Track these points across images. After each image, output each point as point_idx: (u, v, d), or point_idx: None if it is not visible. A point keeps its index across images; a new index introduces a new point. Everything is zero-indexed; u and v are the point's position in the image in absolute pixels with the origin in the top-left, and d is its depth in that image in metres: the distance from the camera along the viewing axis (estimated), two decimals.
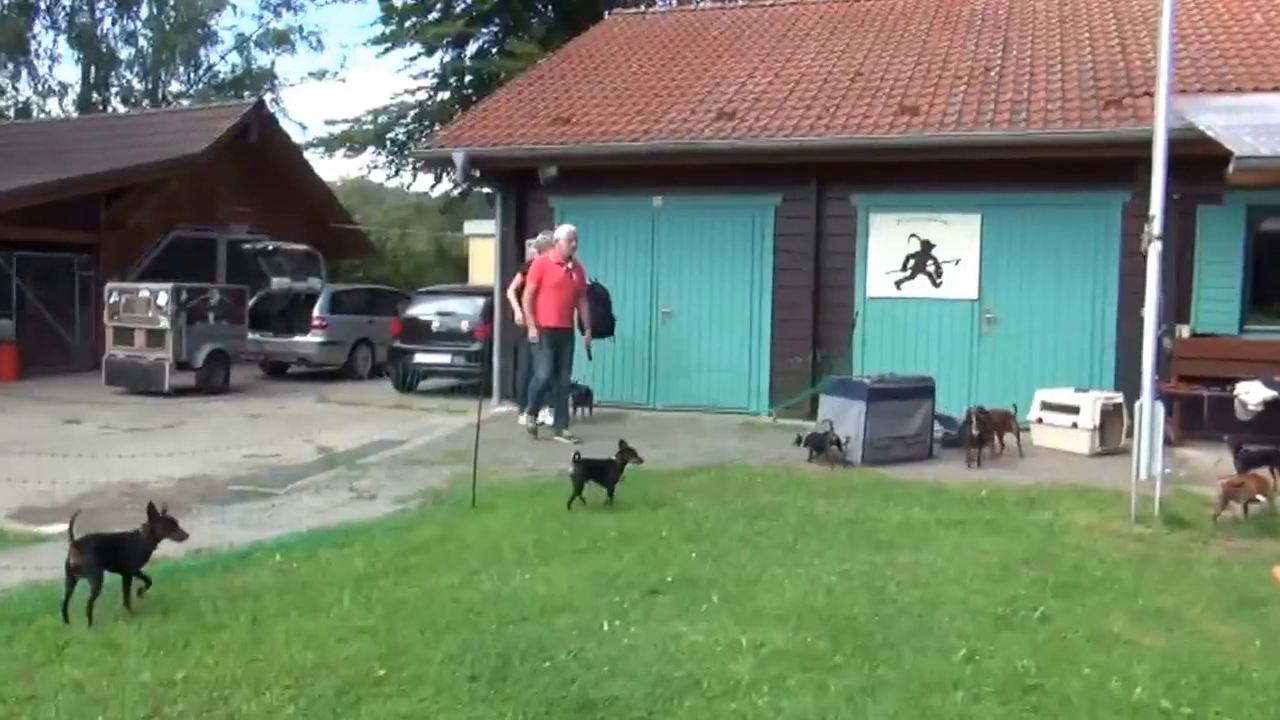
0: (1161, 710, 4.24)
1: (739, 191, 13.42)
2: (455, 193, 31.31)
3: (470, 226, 27.50)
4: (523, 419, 11.46)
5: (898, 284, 12.99)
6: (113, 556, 5.30)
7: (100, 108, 36.83)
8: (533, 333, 11.20)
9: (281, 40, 38.89)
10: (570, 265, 11.32)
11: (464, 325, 16.03)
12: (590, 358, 11.79)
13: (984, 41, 14.94)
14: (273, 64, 40.00)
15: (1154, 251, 7.93)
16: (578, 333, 11.58)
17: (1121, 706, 4.27)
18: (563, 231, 11.45)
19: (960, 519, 7.54)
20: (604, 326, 12.40)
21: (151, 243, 20.63)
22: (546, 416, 11.48)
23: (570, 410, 11.78)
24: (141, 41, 38.12)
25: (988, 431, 10.13)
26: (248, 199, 22.69)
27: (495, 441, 10.38)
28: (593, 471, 7.78)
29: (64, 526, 7.23)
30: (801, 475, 9.17)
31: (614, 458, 7.93)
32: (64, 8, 36.90)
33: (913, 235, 12.89)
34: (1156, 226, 7.88)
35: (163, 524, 5.51)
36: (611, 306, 12.71)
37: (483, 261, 22.19)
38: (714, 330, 13.56)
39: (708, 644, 4.86)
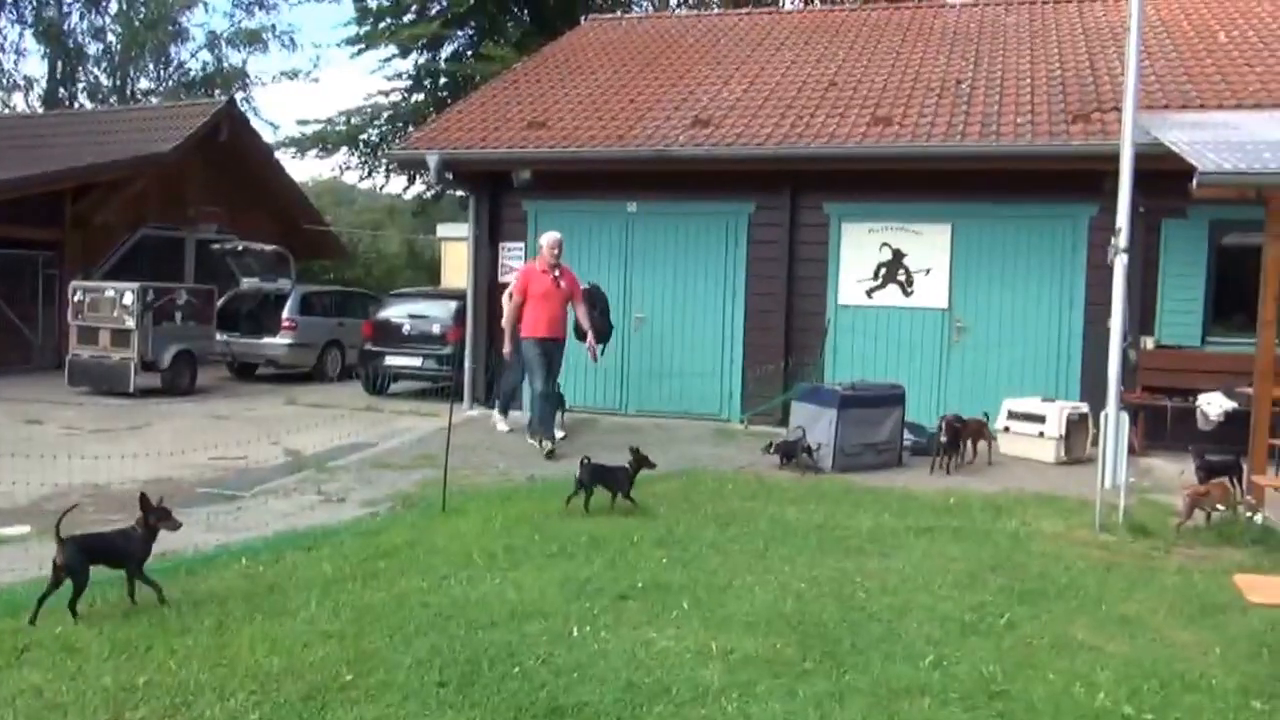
0: (1124, 716, 4.29)
1: (713, 199, 13.46)
2: (428, 195, 31.21)
3: (443, 229, 27.38)
4: (501, 425, 11.51)
5: (869, 293, 13.06)
6: (105, 555, 5.28)
7: (67, 103, 36.43)
8: (506, 348, 11.16)
9: (253, 39, 38.56)
10: (558, 273, 11.10)
11: (436, 328, 16.01)
12: (596, 361, 11.78)
13: (956, 55, 15.07)
14: (244, 63, 39.60)
15: (1120, 264, 8.05)
16: (576, 340, 11.60)
17: (1085, 712, 4.32)
18: (545, 239, 11.22)
19: (929, 526, 7.60)
20: (601, 331, 12.16)
21: (118, 241, 20.43)
22: (500, 423, 11.64)
23: (557, 419, 11.46)
24: (110, 37, 37.72)
25: (961, 439, 10.22)
26: (217, 198, 22.51)
27: (466, 445, 10.37)
28: (600, 475, 7.79)
29: (24, 529, 7.24)
30: (773, 482, 9.21)
31: (626, 464, 7.97)
32: (30, 1, 36.52)
33: (884, 244, 12.97)
34: (1122, 239, 8.01)
35: (156, 514, 5.46)
36: (609, 312, 12.64)
37: (455, 265, 22.10)
38: (687, 337, 13.59)
39: (677, 650, 4.88)
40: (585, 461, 7.83)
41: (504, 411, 11.46)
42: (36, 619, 5.03)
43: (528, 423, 11.32)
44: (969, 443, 10.39)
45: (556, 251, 11.09)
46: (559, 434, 11.12)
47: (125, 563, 5.33)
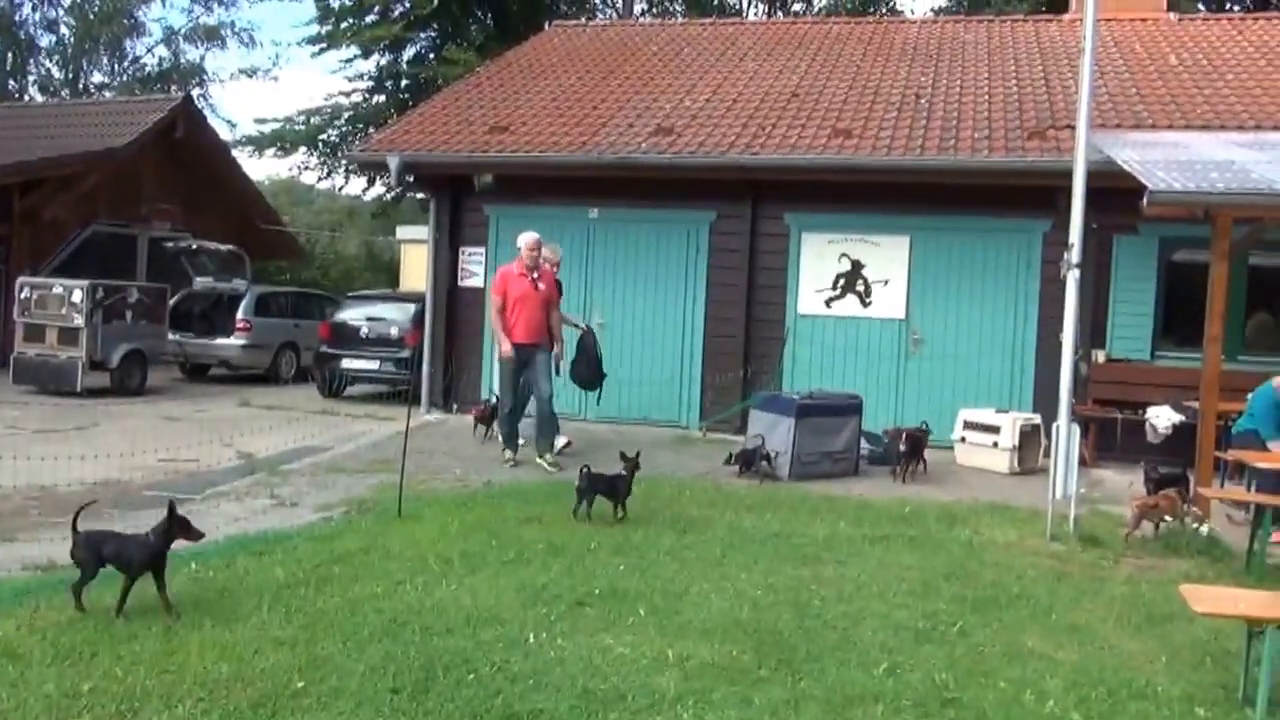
0: None
1: (674, 206, 13.50)
2: (388, 197, 31.04)
3: (403, 232, 27.30)
4: (506, 454, 10.45)
5: (828, 302, 13.15)
6: (114, 555, 5.25)
7: (17, 96, 35.87)
8: (505, 347, 10.32)
9: (212, 35, 38.16)
10: (536, 275, 10.53)
11: (393, 331, 15.93)
12: (558, 373, 11.05)
13: (915, 70, 15.23)
14: (202, 59, 39.14)
15: (1072, 278, 8.17)
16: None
17: (1035, 719, 4.38)
18: (524, 239, 10.60)
19: (884, 535, 7.66)
20: (587, 379, 11.49)
21: (67, 238, 20.13)
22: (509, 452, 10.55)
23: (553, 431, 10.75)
24: (63, 29, 37.24)
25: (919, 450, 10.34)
26: (172, 196, 22.23)
27: (423, 450, 10.34)
28: (601, 485, 7.78)
29: None
30: (730, 490, 9.24)
31: (622, 471, 7.97)
32: None
33: (843, 255, 13.06)
34: (1075, 254, 8.13)
35: (179, 524, 5.42)
36: (601, 361, 11.59)
37: (415, 268, 22.01)
38: (647, 344, 13.61)
39: (633, 657, 4.89)
40: (585, 470, 7.79)
41: (511, 444, 10.55)
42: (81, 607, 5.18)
43: (505, 435, 10.63)
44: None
45: (535, 253, 10.52)
46: (560, 441, 10.76)
47: (128, 568, 5.24)
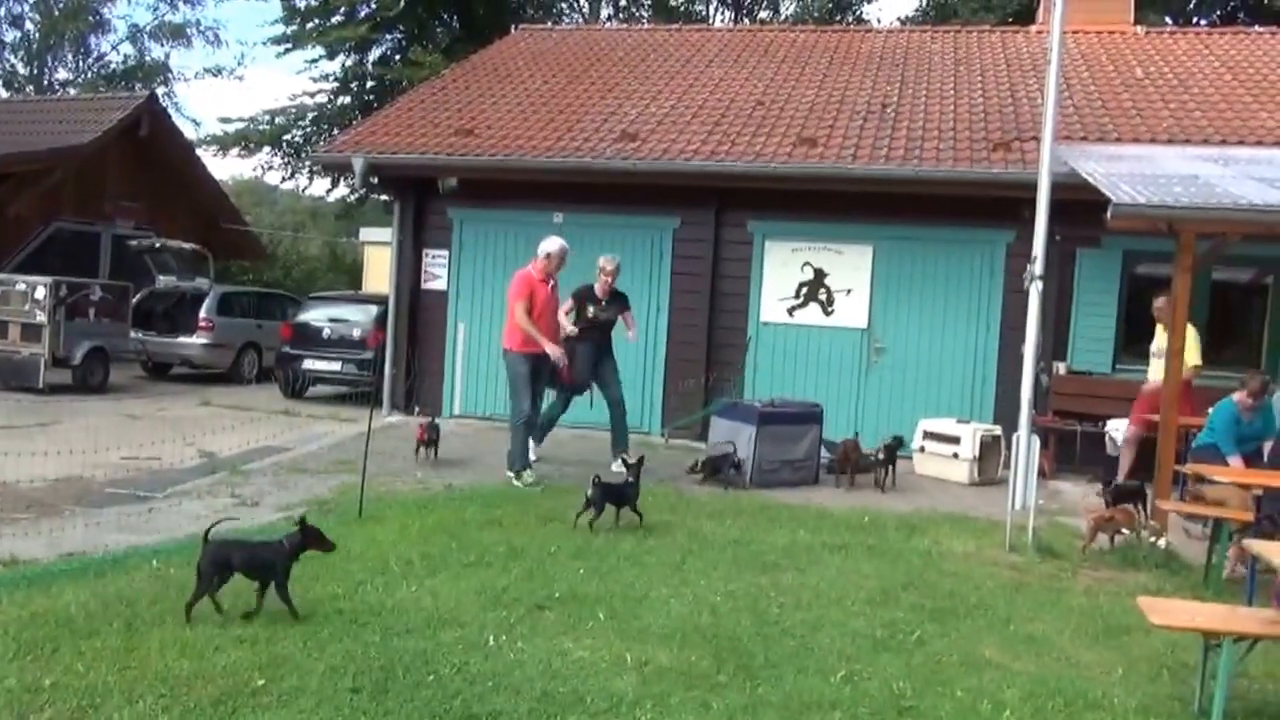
0: None
1: (639, 212, 13.51)
2: (352, 198, 30.94)
3: (366, 233, 27.19)
4: (525, 476, 9.53)
5: (790, 311, 13.20)
6: (246, 564, 5.31)
7: None
8: (556, 351, 9.72)
9: (177, 33, 37.91)
10: (552, 284, 10.07)
11: (356, 332, 15.90)
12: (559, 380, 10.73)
13: (881, 79, 15.32)
14: (167, 57, 38.88)
15: (1035, 290, 8.22)
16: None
17: None
18: (555, 246, 9.91)
19: (843, 543, 7.70)
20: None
21: (30, 234, 19.94)
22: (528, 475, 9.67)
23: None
24: (28, 25, 36.90)
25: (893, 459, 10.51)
26: (135, 194, 22.08)
27: (384, 452, 10.28)
28: (612, 493, 7.75)
29: None
30: (691, 496, 9.26)
31: (630, 479, 7.97)
32: None
33: (807, 264, 13.12)
34: (1038, 266, 8.19)
35: (312, 535, 5.49)
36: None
37: (378, 269, 21.93)
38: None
39: (593, 660, 4.89)
40: (596, 480, 7.74)
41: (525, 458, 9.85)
42: (189, 617, 5.17)
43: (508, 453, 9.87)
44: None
45: (557, 264, 9.94)
46: (533, 451, 10.20)
47: (268, 577, 5.31)
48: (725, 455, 9.99)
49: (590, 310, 10.51)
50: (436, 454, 10.52)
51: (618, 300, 10.72)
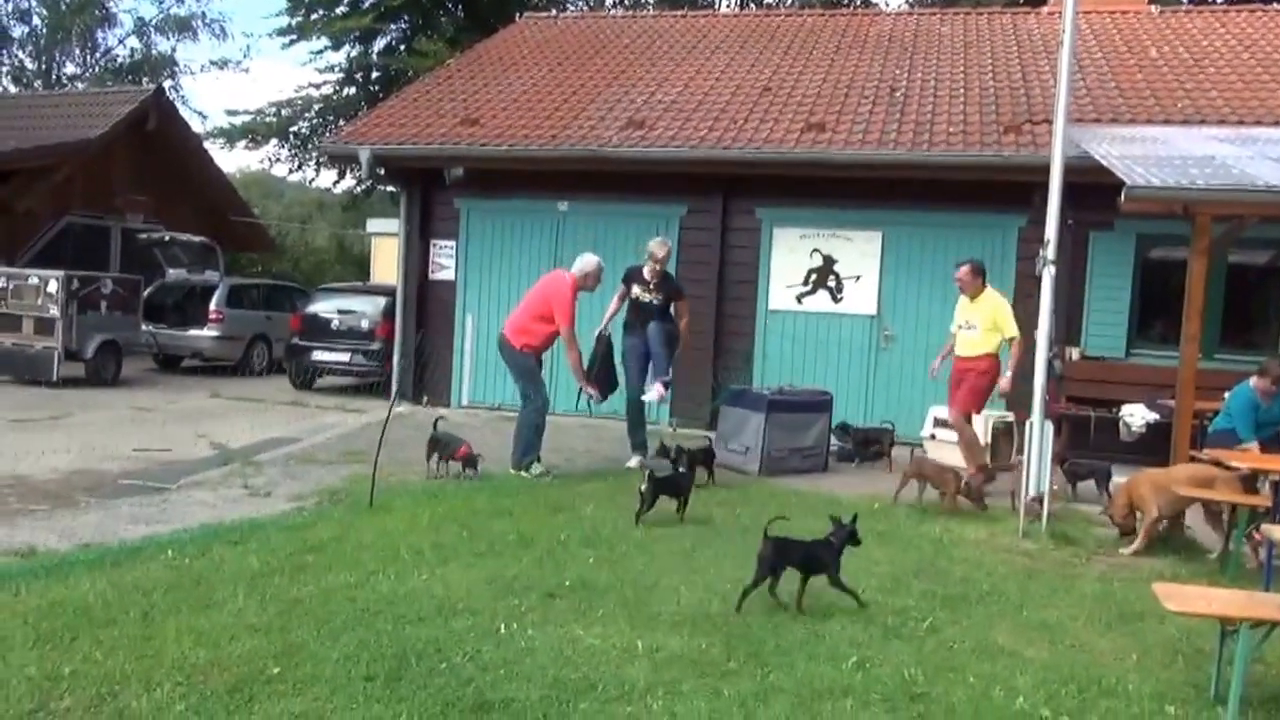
0: (1042, 719, 4.37)
1: (645, 200, 13.48)
2: (359, 190, 30.95)
3: (374, 224, 27.21)
4: (535, 469, 9.46)
5: (799, 298, 13.17)
6: (801, 560, 5.67)
7: None
8: (591, 390, 9.72)
9: (183, 26, 37.91)
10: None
11: (364, 324, 15.93)
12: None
13: (890, 63, 15.25)
14: (173, 50, 38.85)
15: (1048, 275, 8.16)
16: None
17: (1004, 715, 4.39)
18: (592, 265, 9.79)
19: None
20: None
21: (41, 229, 20.00)
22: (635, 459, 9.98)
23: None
24: (35, 20, 36.92)
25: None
26: (144, 188, 22.12)
27: (394, 442, 10.23)
28: (666, 486, 7.78)
29: None
30: (699, 483, 9.22)
31: (682, 469, 8.02)
32: None
33: (815, 250, 13.08)
34: (1050, 251, 8.12)
35: (853, 534, 5.85)
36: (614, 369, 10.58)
37: (386, 260, 21.95)
38: (616, 337, 13.54)
39: (604, 648, 4.88)
40: (651, 474, 7.77)
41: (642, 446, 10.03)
42: (740, 607, 5.50)
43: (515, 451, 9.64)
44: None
45: (595, 284, 9.93)
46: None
47: (820, 571, 5.69)
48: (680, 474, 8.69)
49: (635, 290, 10.24)
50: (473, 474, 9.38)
51: (667, 285, 10.30)
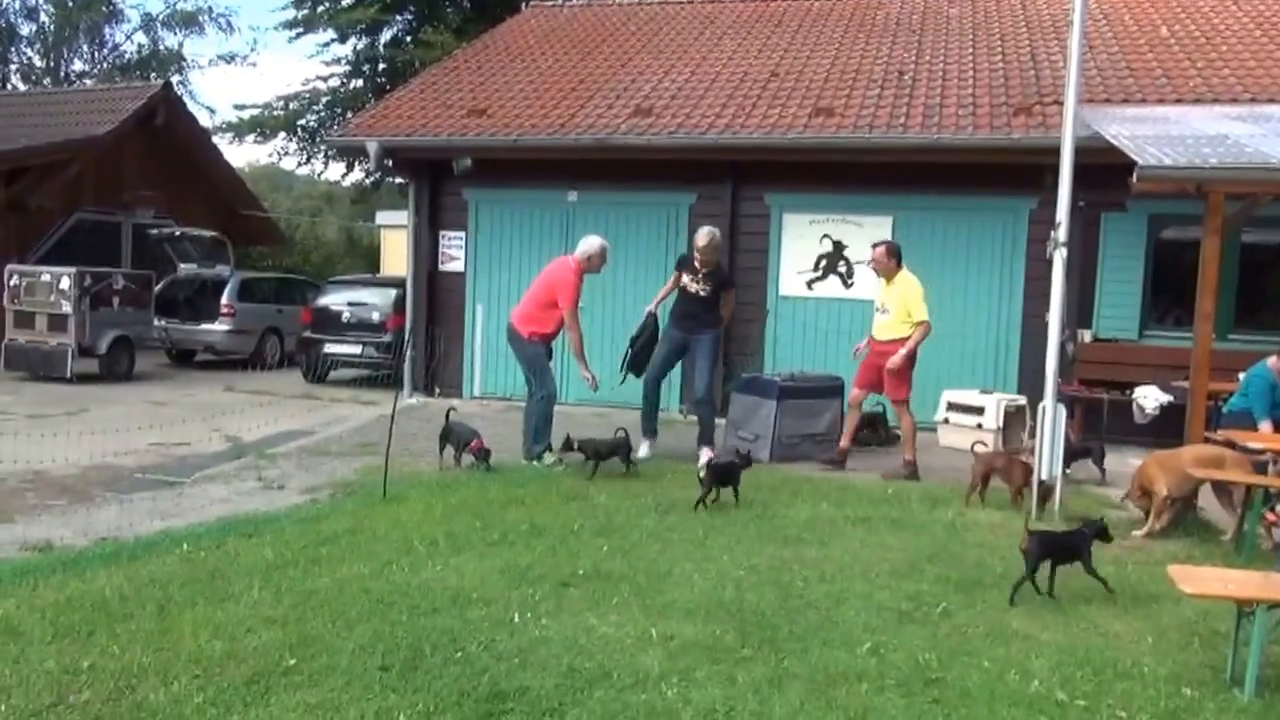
0: (1057, 702, 4.36)
1: (654, 188, 13.47)
2: (367, 182, 30.96)
3: (382, 217, 27.22)
4: (546, 458, 9.40)
5: (809, 284, 13.15)
6: (1061, 551, 5.90)
7: None
8: (590, 376, 9.53)
9: (190, 21, 37.93)
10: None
11: (375, 316, 15.97)
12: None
13: (898, 46, 15.19)
14: (180, 45, 38.93)
15: (1059, 257, 8.11)
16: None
17: (1019, 699, 4.38)
18: (595, 247, 9.73)
19: (866, 516, 7.66)
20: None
21: (53, 225, 20.07)
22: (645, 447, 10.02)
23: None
24: (43, 17, 36.97)
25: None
26: (154, 183, 22.14)
27: (406, 433, 10.29)
28: (724, 475, 7.83)
29: None
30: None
31: (736, 459, 8.10)
32: None
33: (825, 236, 13.05)
34: (1062, 233, 8.07)
35: (1099, 528, 6.05)
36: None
37: (395, 252, 21.97)
38: (626, 327, 13.51)
39: (618, 636, 4.89)
40: (710, 463, 7.86)
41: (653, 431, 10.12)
42: (1014, 600, 5.68)
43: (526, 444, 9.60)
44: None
45: (600, 265, 9.88)
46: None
47: (1076, 560, 5.89)
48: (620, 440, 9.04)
49: (684, 279, 10.12)
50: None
51: (716, 277, 10.19)
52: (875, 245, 9.94)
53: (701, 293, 10.04)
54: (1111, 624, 5.45)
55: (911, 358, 9.44)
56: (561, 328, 9.59)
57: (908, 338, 9.45)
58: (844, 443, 9.93)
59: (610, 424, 9.11)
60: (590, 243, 9.77)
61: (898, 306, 9.47)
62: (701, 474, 7.83)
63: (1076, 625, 5.41)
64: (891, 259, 9.66)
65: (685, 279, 10.09)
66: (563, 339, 9.76)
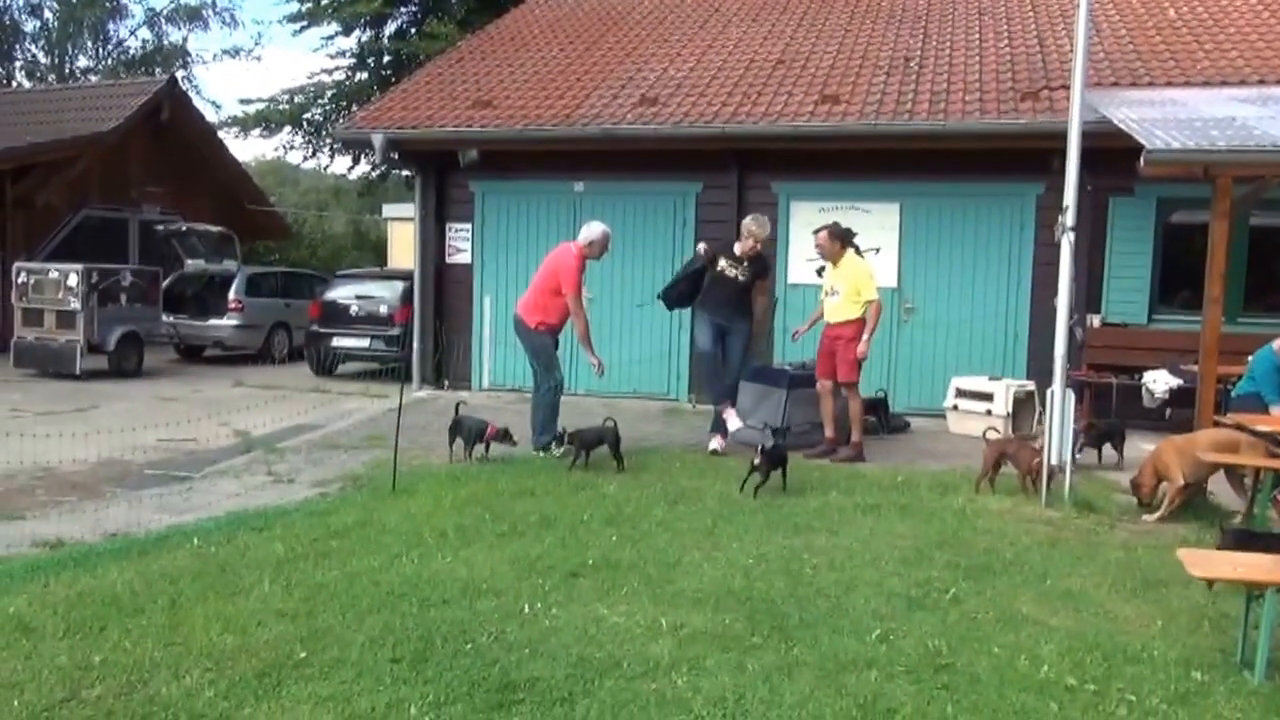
0: (1067, 687, 4.36)
1: (661, 178, 13.46)
2: (374, 175, 30.95)
3: (389, 209, 27.28)
4: (555, 450, 9.27)
5: (818, 271, 13.07)
6: (1260, 545, 5.44)
7: (4, 82, 35.70)
8: (597, 361, 9.58)
9: (194, 16, 37.93)
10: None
11: (383, 309, 15.98)
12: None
13: (904, 32, 15.14)
14: (185, 40, 38.91)
15: (1067, 242, 8.09)
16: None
17: (1029, 684, 4.38)
18: (598, 232, 9.69)
19: (875, 504, 7.66)
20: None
21: (60, 223, 20.12)
22: (717, 441, 9.90)
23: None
24: (46, 14, 36.97)
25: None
26: (160, 179, 22.20)
27: (415, 426, 10.33)
28: (776, 460, 7.90)
29: None
30: (720, 460, 9.25)
31: (779, 443, 8.14)
32: None
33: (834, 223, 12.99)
34: (1070, 217, 8.04)
35: None
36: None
37: (402, 245, 22.01)
38: (636, 316, 13.58)
39: (628, 626, 4.90)
40: (763, 448, 7.89)
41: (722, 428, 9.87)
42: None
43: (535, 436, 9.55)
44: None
45: (602, 251, 9.85)
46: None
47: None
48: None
49: (722, 264, 9.91)
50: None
51: (758, 264, 10.11)
52: (817, 230, 10.01)
53: (741, 278, 9.95)
54: (1121, 608, 5.45)
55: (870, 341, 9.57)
56: (567, 315, 9.56)
57: (857, 319, 9.52)
58: (830, 432, 9.90)
59: (618, 414, 9.11)
60: (593, 228, 9.76)
61: (847, 288, 9.52)
62: (757, 460, 7.83)
63: (1086, 610, 5.40)
64: (835, 241, 9.74)
65: (723, 264, 9.93)
66: (569, 328, 9.73)
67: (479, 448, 9.09)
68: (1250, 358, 8.77)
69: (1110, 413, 10.94)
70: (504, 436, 9.09)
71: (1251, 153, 8.67)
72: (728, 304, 9.97)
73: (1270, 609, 4.47)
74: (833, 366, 9.70)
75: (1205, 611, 5.38)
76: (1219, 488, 8.02)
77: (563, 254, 9.71)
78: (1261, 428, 7.73)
